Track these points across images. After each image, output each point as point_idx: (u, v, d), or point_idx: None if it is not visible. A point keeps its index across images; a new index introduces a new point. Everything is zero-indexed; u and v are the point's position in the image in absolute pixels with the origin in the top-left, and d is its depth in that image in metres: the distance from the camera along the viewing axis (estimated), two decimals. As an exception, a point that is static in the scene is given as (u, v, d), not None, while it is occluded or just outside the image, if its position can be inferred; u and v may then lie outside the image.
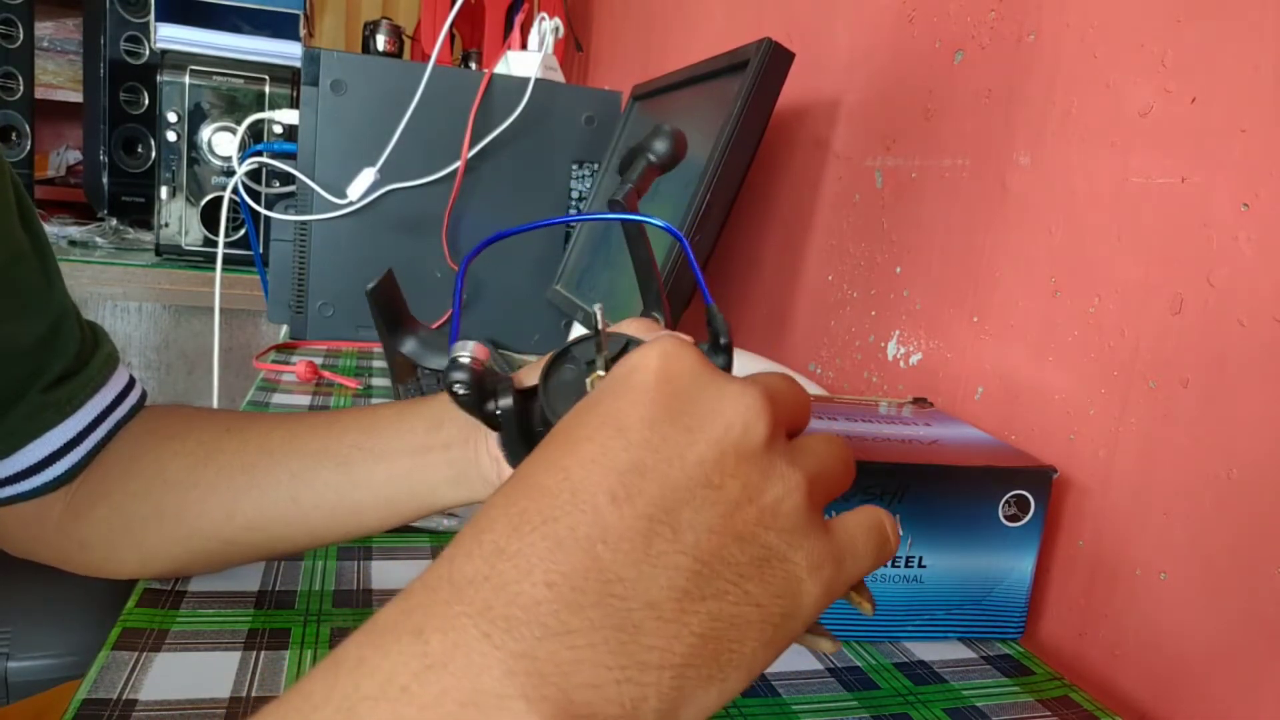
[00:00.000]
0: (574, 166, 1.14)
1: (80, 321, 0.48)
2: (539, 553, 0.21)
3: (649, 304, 0.37)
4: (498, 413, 0.30)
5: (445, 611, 0.21)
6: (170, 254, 1.63)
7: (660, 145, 0.35)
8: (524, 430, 0.31)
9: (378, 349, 1.09)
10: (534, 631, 0.20)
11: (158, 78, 1.58)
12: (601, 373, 0.29)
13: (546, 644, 0.20)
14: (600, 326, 0.30)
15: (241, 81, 1.61)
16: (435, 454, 0.43)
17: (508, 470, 0.40)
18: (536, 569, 0.21)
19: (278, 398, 0.86)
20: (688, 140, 0.35)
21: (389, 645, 0.21)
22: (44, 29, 2.17)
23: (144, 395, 0.50)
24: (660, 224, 0.31)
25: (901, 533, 0.50)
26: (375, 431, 0.44)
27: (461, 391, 0.29)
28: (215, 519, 0.45)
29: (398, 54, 1.73)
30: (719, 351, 0.31)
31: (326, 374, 0.93)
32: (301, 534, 0.46)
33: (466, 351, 0.29)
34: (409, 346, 0.36)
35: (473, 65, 2.08)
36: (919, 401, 0.65)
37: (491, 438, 0.41)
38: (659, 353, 0.24)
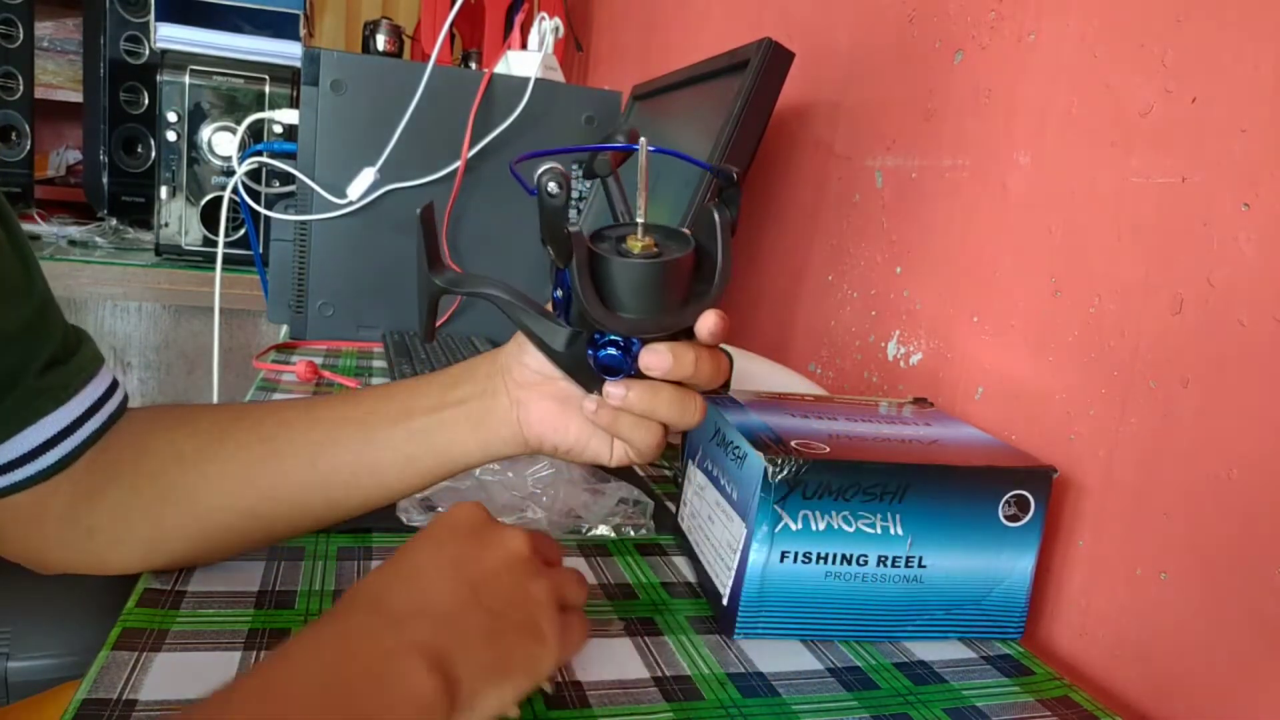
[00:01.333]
0: (574, 166, 1.14)
1: (61, 315, 0.48)
2: (415, 600, 0.36)
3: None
4: (569, 231, 0.40)
5: (369, 622, 0.35)
6: (170, 254, 1.63)
7: (620, 136, 0.46)
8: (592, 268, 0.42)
9: (378, 349, 1.09)
10: (422, 624, 0.35)
11: (158, 78, 1.58)
12: (640, 237, 0.43)
13: (439, 633, 0.35)
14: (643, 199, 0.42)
15: (241, 81, 1.61)
16: (452, 410, 0.46)
17: (527, 413, 0.46)
18: (418, 604, 0.36)
19: (278, 398, 0.86)
20: (678, 139, 0.44)
21: (308, 632, 0.34)
22: (44, 29, 2.17)
23: (126, 398, 0.51)
24: (704, 165, 0.41)
25: (900, 532, 0.50)
26: (390, 397, 0.47)
27: (555, 190, 0.38)
28: (233, 491, 0.46)
29: (398, 54, 1.73)
30: (731, 188, 0.46)
31: (326, 374, 0.93)
32: (320, 502, 0.47)
33: (550, 164, 0.38)
34: (445, 278, 0.42)
35: (473, 65, 2.08)
36: (919, 401, 0.65)
37: (509, 379, 0.46)
38: (465, 509, 0.41)
